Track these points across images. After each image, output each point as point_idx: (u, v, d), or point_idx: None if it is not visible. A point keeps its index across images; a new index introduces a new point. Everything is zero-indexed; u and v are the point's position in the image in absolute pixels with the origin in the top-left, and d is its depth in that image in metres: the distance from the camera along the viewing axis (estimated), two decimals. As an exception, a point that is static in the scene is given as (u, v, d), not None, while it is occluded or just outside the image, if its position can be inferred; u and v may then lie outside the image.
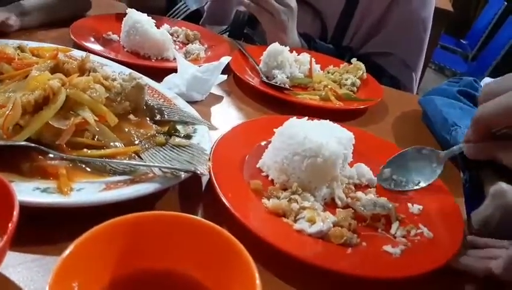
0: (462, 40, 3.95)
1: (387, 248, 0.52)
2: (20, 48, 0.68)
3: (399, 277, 0.49)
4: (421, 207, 0.60)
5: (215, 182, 0.53)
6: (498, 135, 0.51)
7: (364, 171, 0.64)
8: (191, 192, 0.54)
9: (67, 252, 0.33)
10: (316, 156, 0.57)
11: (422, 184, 0.58)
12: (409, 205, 0.60)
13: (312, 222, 0.51)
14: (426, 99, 0.90)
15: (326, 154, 0.57)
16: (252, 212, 0.53)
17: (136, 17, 0.93)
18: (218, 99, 0.85)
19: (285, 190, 0.58)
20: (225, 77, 0.86)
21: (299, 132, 0.59)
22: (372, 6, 1.15)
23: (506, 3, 3.70)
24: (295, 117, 0.66)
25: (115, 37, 0.98)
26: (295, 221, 0.53)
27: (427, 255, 0.52)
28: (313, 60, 0.99)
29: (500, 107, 0.47)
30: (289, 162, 0.59)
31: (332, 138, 0.59)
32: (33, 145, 0.52)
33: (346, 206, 0.58)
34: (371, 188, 0.63)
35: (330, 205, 0.58)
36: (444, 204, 0.61)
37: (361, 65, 0.99)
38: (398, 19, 1.15)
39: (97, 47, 0.90)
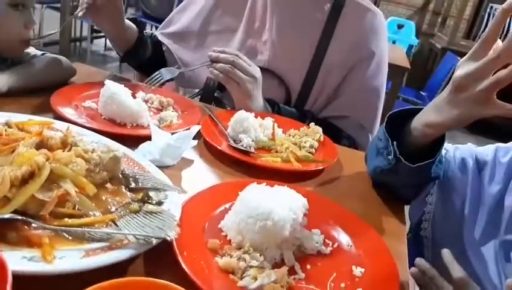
0: (421, 92, 4.22)
1: None
2: (7, 124, 0.75)
3: None
4: (363, 270, 0.67)
5: (174, 244, 0.60)
6: None
7: (317, 240, 0.71)
8: (160, 254, 0.61)
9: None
10: (267, 219, 0.65)
11: None
12: (353, 267, 0.68)
13: (255, 279, 0.58)
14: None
15: (276, 218, 0.65)
16: (203, 269, 0.60)
17: (113, 89, 1.02)
18: (189, 163, 0.93)
19: (239, 249, 0.65)
20: (196, 142, 0.95)
21: (255, 197, 0.68)
22: (330, 77, 1.29)
23: (459, 59, 4.02)
24: (255, 183, 0.74)
25: (93, 105, 1.06)
26: (241, 278, 0.60)
27: None
28: (275, 124, 1.10)
29: None
30: (245, 224, 0.66)
31: (284, 203, 0.68)
32: (19, 217, 0.58)
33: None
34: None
35: (280, 265, 0.65)
36: (385, 264, 0.69)
37: (319, 129, 1.10)
38: (354, 87, 1.29)
39: (77, 116, 0.98)
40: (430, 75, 4.65)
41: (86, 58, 4.89)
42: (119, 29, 1.23)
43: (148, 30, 1.60)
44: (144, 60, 1.37)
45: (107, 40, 4.41)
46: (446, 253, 0.75)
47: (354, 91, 1.29)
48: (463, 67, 0.74)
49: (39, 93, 1.04)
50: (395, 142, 0.85)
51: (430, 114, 0.81)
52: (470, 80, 0.72)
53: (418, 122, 0.84)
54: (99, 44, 5.38)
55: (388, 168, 0.87)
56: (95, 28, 4.63)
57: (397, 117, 0.88)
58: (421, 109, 0.85)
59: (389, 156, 0.85)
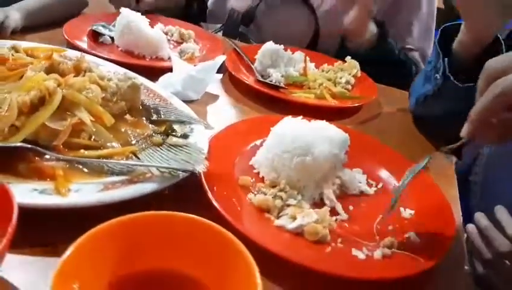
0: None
1: (364, 249, 0.51)
2: (14, 48, 0.68)
3: (365, 278, 0.48)
4: (412, 212, 0.60)
5: (203, 179, 0.54)
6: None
7: (359, 180, 0.64)
8: (187, 191, 0.54)
9: (67, 253, 0.33)
10: (305, 154, 0.57)
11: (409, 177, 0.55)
12: (401, 209, 0.60)
13: (294, 218, 0.52)
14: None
15: (316, 153, 0.57)
16: (235, 206, 0.53)
17: (130, 17, 0.93)
18: (213, 98, 0.85)
19: (274, 187, 0.58)
20: (220, 75, 0.86)
21: (291, 131, 0.60)
22: None
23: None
24: (290, 116, 0.66)
25: (107, 38, 0.97)
26: (277, 217, 0.53)
27: (405, 260, 0.51)
28: (307, 58, 0.99)
29: None
30: (279, 160, 0.59)
31: (324, 138, 0.59)
32: (29, 146, 0.51)
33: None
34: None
35: (319, 205, 0.58)
36: (437, 207, 0.61)
37: (356, 63, 1.00)
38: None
39: (91, 46, 0.90)
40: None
41: None
42: None
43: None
44: None
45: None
46: (500, 209, 0.67)
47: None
48: None
49: (49, 26, 0.97)
50: (446, 59, 0.74)
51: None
52: None
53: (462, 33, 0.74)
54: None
55: (433, 93, 0.77)
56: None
57: (452, 32, 0.77)
58: None
59: (437, 75, 0.75)
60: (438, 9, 1.30)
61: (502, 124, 0.48)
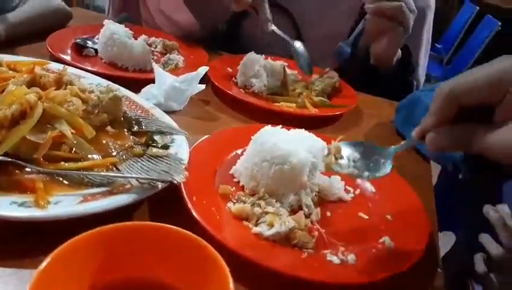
0: (437, 44, 4.04)
1: (340, 255, 0.52)
2: (-4, 62, 0.69)
3: (339, 282, 0.49)
4: (389, 216, 0.61)
5: (183, 188, 0.55)
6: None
7: (337, 186, 0.65)
8: (168, 201, 0.55)
9: (43, 264, 0.33)
10: (284, 163, 0.59)
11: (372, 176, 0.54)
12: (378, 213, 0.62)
13: (271, 226, 0.53)
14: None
15: (294, 161, 0.59)
16: (213, 215, 0.54)
17: (114, 29, 0.94)
18: (196, 108, 0.87)
19: (253, 195, 0.59)
20: (203, 86, 0.87)
21: (270, 139, 0.61)
22: None
23: (478, 8, 3.82)
24: (269, 125, 0.68)
25: (91, 50, 0.98)
26: (256, 225, 0.54)
27: (379, 265, 0.52)
28: (286, 68, 1.01)
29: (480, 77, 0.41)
30: (258, 169, 0.60)
31: (302, 146, 0.61)
32: (10, 160, 0.52)
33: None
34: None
35: (298, 211, 0.59)
36: (412, 212, 0.63)
37: (335, 73, 1.02)
38: None
39: (75, 59, 0.91)
40: (446, 26, 4.43)
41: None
42: None
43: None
44: None
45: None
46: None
47: None
48: None
49: (34, 38, 0.97)
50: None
51: None
52: None
53: None
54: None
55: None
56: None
57: None
58: None
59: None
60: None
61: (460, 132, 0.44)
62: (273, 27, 0.98)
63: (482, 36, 3.45)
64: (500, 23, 3.36)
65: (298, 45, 0.99)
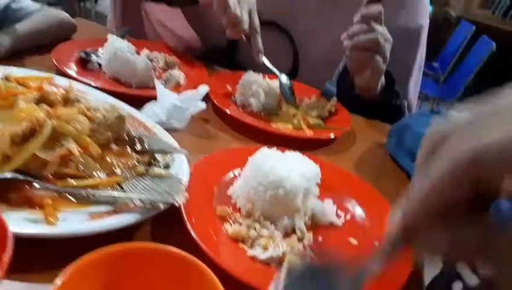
0: (433, 63, 4.12)
1: None
2: (6, 78, 0.71)
3: None
4: (376, 243, 0.64)
5: (183, 209, 0.57)
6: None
7: (330, 211, 0.68)
8: (169, 221, 0.58)
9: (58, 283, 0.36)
10: (278, 188, 0.62)
11: None
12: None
13: (266, 249, 0.56)
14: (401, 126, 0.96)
15: (288, 187, 0.62)
16: (211, 236, 0.57)
17: (117, 45, 0.97)
18: (197, 127, 0.90)
19: (249, 217, 0.63)
20: (204, 105, 0.90)
21: (266, 163, 0.64)
22: None
23: (474, 27, 3.90)
24: (266, 147, 0.71)
25: (95, 64, 1.00)
26: (251, 247, 0.57)
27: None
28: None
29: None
30: (255, 192, 0.63)
31: (296, 170, 0.64)
32: (21, 177, 0.55)
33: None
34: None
35: (292, 235, 0.62)
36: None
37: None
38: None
39: (79, 73, 0.94)
40: (443, 45, 4.52)
41: (90, 19, 4.74)
42: None
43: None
44: None
45: None
46: None
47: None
48: None
49: (39, 49, 1.00)
50: None
51: None
52: None
53: None
54: (104, 4, 5.21)
55: None
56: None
57: None
58: None
59: None
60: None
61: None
62: (264, 59, 1.04)
63: (478, 55, 3.52)
64: (495, 44, 3.43)
65: (284, 78, 1.06)
